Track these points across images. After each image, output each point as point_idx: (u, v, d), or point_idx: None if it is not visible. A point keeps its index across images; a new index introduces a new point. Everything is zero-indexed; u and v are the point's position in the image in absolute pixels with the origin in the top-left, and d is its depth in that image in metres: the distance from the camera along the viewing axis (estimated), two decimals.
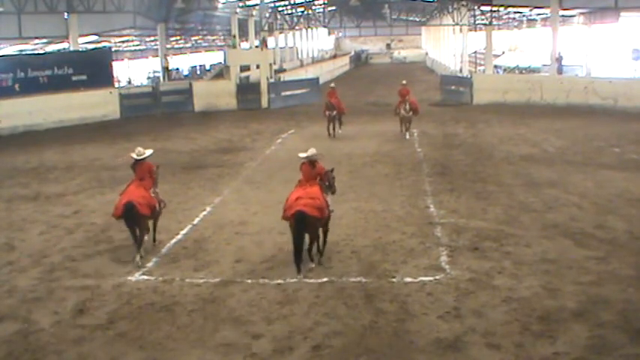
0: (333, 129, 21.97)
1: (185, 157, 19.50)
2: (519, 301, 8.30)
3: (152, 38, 45.99)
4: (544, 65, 35.90)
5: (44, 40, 35.52)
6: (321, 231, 9.96)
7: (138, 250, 10.25)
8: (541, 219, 11.91)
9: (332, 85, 24.27)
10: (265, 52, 33.95)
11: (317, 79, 37.31)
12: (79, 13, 30.30)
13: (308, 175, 10.34)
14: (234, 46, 34.75)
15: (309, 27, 59.95)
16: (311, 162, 10.36)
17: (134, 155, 10.81)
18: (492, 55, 37.70)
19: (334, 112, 21.73)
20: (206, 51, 67.80)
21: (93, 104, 28.04)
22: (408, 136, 21.14)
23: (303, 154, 10.48)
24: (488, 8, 34.29)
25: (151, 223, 10.86)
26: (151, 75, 47.52)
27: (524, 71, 39.17)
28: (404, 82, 22.37)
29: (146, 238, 10.69)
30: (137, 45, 55.71)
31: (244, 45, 40.88)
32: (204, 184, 15.66)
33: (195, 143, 21.99)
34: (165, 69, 37.80)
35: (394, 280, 9.18)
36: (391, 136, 21.74)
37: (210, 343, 7.49)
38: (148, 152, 10.96)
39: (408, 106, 20.85)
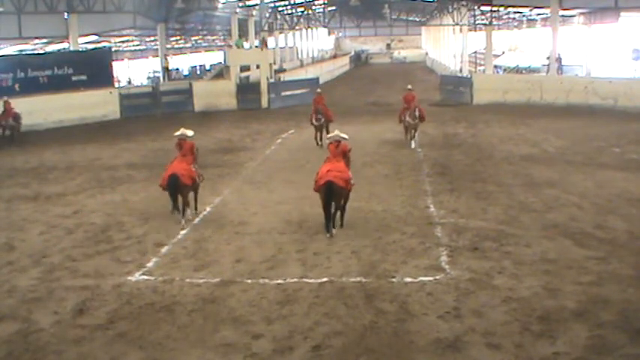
0: (321, 138, 19.90)
1: None
2: (519, 301, 8.30)
3: (152, 38, 45.98)
4: (544, 65, 35.92)
5: (44, 40, 35.51)
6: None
7: (183, 215, 12.11)
8: (541, 219, 11.91)
9: (318, 90, 22.51)
10: (265, 52, 33.96)
11: (317, 79, 37.28)
12: (79, 13, 30.32)
13: (334, 152, 11.98)
14: (239, 46, 34.72)
15: (309, 27, 59.92)
16: (336, 141, 12.02)
17: (178, 134, 12.82)
18: (492, 55, 37.71)
19: (322, 120, 20.13)
20: (206, 51, 67.76)
21: (93, 104, 28.06)
22: (413, 145, 19.72)
23: (329, 135, 12.51)
24: (488, 8, 34.31)
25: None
26: (151, 75, 47.52)
27: (524, 71, 39.17)
28: (409, 86, 21.37)
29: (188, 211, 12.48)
30: (137, 45, 55.68)
31: (245, 45, 40.85)
32: (204, 184, 15.60)
33: (195, 143, 21.94)
34: (166, 69, 37.80)
35: (394, 280, 9.18)
36: (391, 136, 21.74)
37: (210, 343, 7.49)
38: (190, 133, 12.93)
39: (417, 113, 19.41)
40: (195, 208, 12.80)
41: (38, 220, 13.02)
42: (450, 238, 10.96)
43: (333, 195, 11.06)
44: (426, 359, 7.02)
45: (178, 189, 12.02)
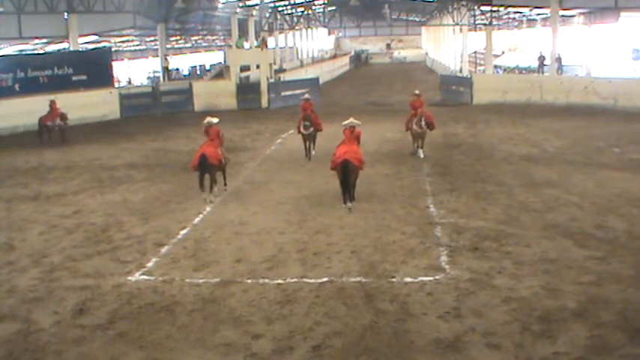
0: (310, 149, 18.22)
1: (185, 157, 19.45)
2: (519, 301, 8.30)
3: (152, 38, 45.98)
4: (544, 65, 35.93)
5: (44, 40, 35.51)
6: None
7: (210, 192, 13.79)
8: (541, 219, 11.91)
9: (306, 95, 19.91)
10: (265, 52, 33.95)
11: (317, 79, 37.31)
12: (79, 13, 30.31)
13: (349, 136, 13.58)
14: (239, 46, 34.71)
15: (309, 27, 59.92)
16: (351, 127, 13.64)
17: (205, 122, 14.45)
18: (492, 55, 37.71)
19: (311, 129, 17.91)
20: (206, 51, 67.79)
21: (93, 104, 28.04)
22: (422, 155, 18.10)
23: (345, 122, 13.82)
24: (488, 8, 34.31)
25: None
26: (151, 75, 47.52)
27: (524, 71, 39.17)
28: (417, 92, 19.75)
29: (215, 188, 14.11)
30: (137, 45, 55.70)
31: (245, 45, 40.89)
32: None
33: (196, 143, 21.83)
34: (165, 69, 37.80)
35: (394, 280, 9.18)
36: (391, 136, 21.74)
37: (210, 343, 7.49)
38: (215, 120, 14.59)
39: (423, 122, 17.76)
40: (225, 184, 14.61)
41: (38, 220, 13.02)
42: (450, 238, 10.96)
43: (348, 172, 12.74)
44: (426, 359, 7.02)
45: (207, 168, 13.57)
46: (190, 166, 14.15)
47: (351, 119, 13.87)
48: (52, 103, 23.10)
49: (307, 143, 18.21)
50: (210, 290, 9.02)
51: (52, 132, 22.86)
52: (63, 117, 23.10)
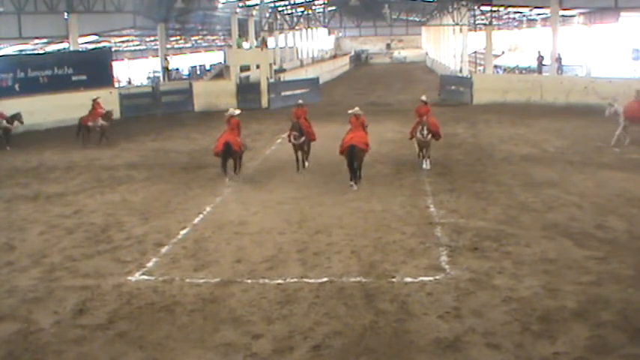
0: (302, 159, 16.86)
1: (185, 157, 19.51)
2: (519, 301, 8.30)
3: (152, 38, 45.99)
4: (543, 65, 35.94)
5: (44, 40, 35.51)
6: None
7: (231, 175, 15.54)
8: (541, 219, 11.91)
9: (300, 101, 18.75)
10: (265, 52, 33.95)
11: (317, 79, 37.30)
12: (79, 13, 30.31)
13: (355, 123, 15.14)
14: (238, 46, 34.71)
15: (309, 27, 59.90)
16: (356, 115, 15.20)
17: (227, 114, 16.24)
18: (492, 55, 37.70)
19: (302, 139, 16.44)
20: (206, 51, 67.79)
21: None
22: (425, 165, 16.67)
23: (350, 110, 15.49)
24: (488, 8, 34.30)
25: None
26: (151, 75, 47.50)
27: (524, 71, 39.16)
28: (423, 97, 18.62)
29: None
30: (137, 45, 55.70)
31: (244, 45, 40.92)
32: (204, 184, 15.67)
33: (196, 143, 21.99)
34: (165, 69, 37.79)
35: (394, 280, 9.19)
36: (391, 136, 21.73)
37: (210, 343, 7.50)
38: (237, 112, 16.55)
39: (425, 130, 16.30)
40: (238, 171, 15.94)
41: (38, 220, 13.02)
42: (450, 238, 10.96)
43: (355, 155, 14.24)
44: (426, 359, 7.03)
45: (230, 154, 15.37)
46: (213, 152, 15.92)
47: (356, 108, 15.44)
48: (95, 103, 22.59)
49: (298, 154, 16.73)
50: (210, 290, 9.03)
51: (93, 132, 22.24)
52: (106, 116, 22.55)
